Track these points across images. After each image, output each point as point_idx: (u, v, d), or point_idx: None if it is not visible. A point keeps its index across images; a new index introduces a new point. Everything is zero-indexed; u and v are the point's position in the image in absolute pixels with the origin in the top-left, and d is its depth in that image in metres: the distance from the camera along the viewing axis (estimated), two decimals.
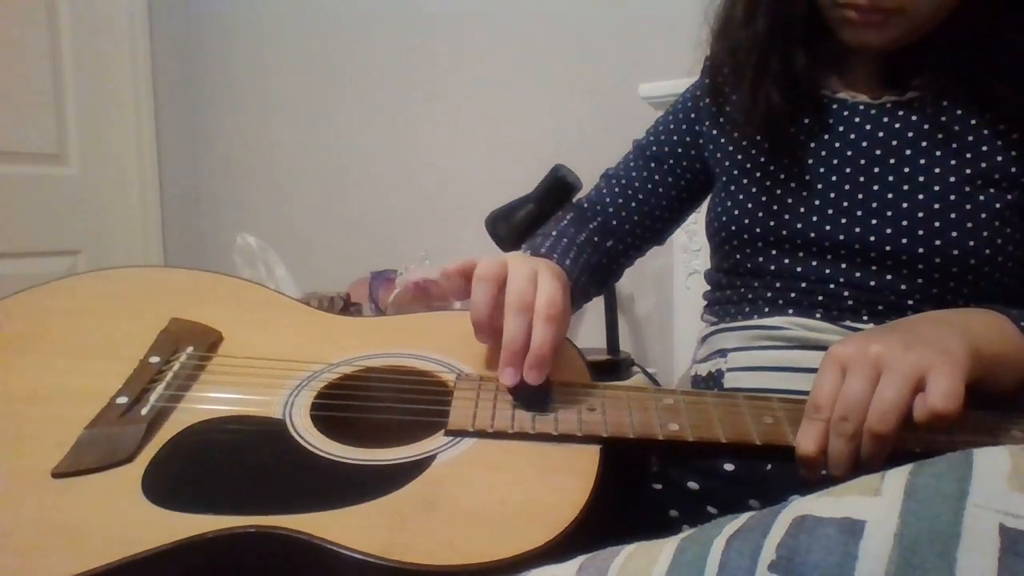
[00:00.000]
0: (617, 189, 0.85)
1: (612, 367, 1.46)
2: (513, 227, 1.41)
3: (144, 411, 0.55)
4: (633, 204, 0.84)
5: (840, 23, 0.65)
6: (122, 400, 0.56)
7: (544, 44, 1.79)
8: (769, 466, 0.63)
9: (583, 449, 0.51)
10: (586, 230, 0.84)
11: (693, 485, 0.66)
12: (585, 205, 0.87)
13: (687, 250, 1.41)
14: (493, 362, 0.62)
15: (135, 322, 0.66)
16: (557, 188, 1.41)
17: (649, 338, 1.71)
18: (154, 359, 0.61)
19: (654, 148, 0.84)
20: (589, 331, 1.46)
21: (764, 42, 0.69)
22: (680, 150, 0.82)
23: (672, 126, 0.83)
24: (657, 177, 0.83)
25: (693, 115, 0.82)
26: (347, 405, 0.58)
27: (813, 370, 0.51)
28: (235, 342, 0.65)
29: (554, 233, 0.84)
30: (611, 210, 0.85)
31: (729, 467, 0.65)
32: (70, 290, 0.71)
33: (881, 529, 0.33)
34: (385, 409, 0.58)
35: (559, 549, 0.42)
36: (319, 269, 1.91)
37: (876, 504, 0.34)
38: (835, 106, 0.70)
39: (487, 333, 0.60)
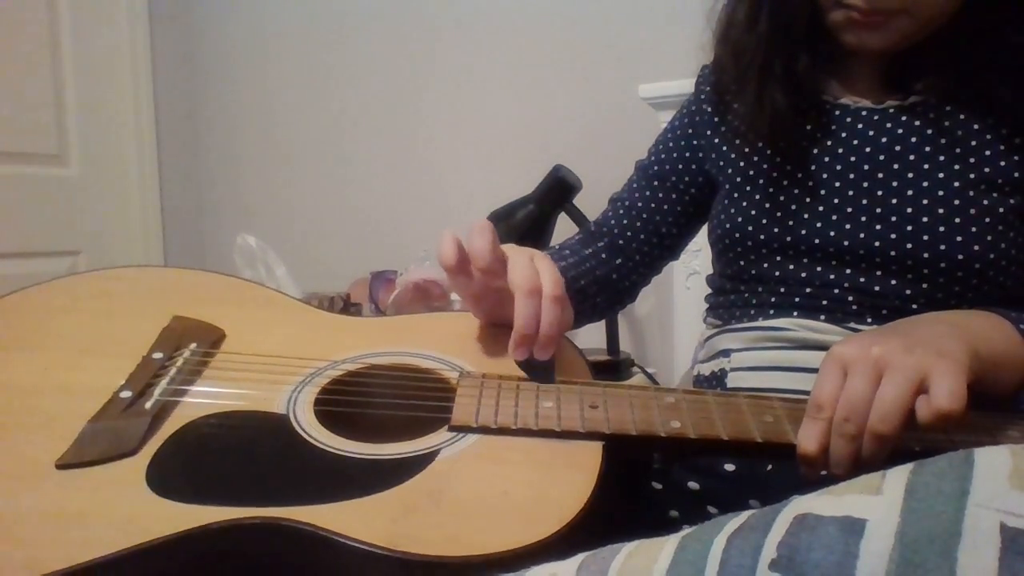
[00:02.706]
0: (622, 211, 0.85)
1: (612, 367, 1.46)
2: (513, 227, 1.42)
3: (148, 405, 0.55)
4: (639, 223, 0.84)
5: (841, 26, 0.65)
6: (126, 394, 0.56)
7: (544, 44, 1.79)
8: (770, 466, 0.63)
9: (586, 445, 0.51)
10: (593, 247, 0.85)
11: (693, 485, 0.66)
12: (592, 228, 0.88)
13: (687, 250, 1.41)
14: (495, 361, 0.63)
15: (137, 320, 0.66)
16: (557, 188, 1.42)
17: (649, 338, 1.71)
18: (157, 355, 0.61)
19: (655, 168, 0.84)
20: (589, 331, 1.46)
21: (767, 45, 0.69)
22: (681, 166, 0.82)
23: (671, 144, 0.84)
24: (661, 195, 0.83)
25: (691, 130, 0.82)
26: (350, 401, 0.58)
27: (816, 370, 0.51)
28: (238, 339, 0.65)
29: (557, 247, 0.85)
30: (617, 231, 0.85)
31: (729, 467, 0.65)
32: (70, 289, 0.71)
33: (882, 528, 0.33)
34: (388, 405, 0.58)
35: (561, 544, 0.42)
36: (319, 269, 1.91)
37: (877, 503, 0.34)
38: (838, 112, 0.70)
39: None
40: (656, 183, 0.84)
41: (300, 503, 0.45)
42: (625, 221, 0.85)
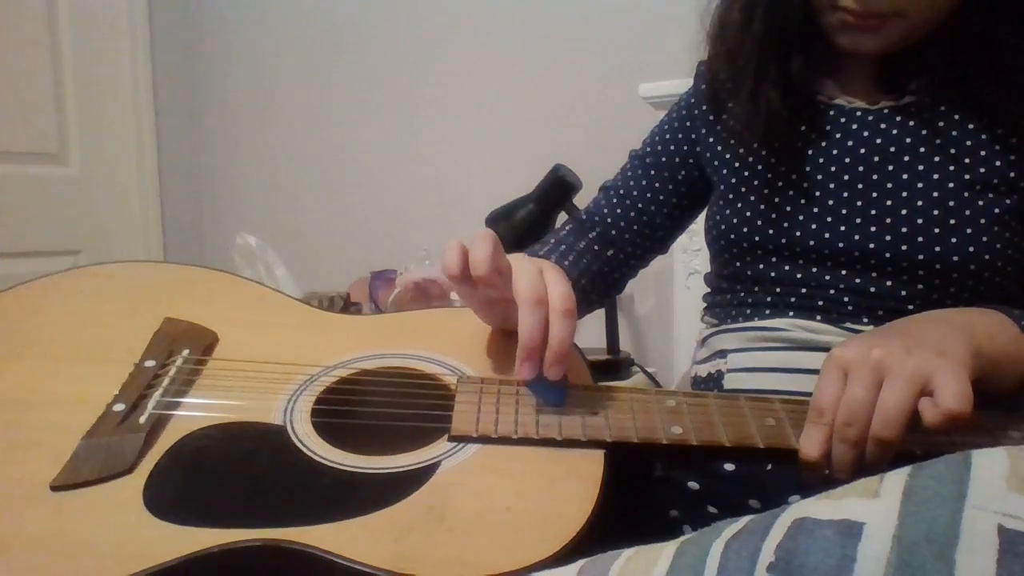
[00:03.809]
0: (615, 199, 0.84)
1: (612, 367, 1.46)
2: (513, 227, 1.42)
3: (142, 419, 0.54)
4: (632, 213, 0.83)
5: (836, 28, 0.65)
6: (119, 407, 0.55)
7: (544, 44, 1.79)
8: (769, 466, 0.63)
9: (587, 454, 0.51)
10: (585, 239, 0.84)
11: (693, 485, 0.66)
12: (583, 216, 0.87)
13: (687, 250, 1.42)
14: (494, 362, 0.62)
15: (128, 322, 0.64)
16: (557, 188, 1.42)
17: (649, 338, 1.71)
18: (149, 363, 0.60)
19: (650, 158, 0.84)
20: (589, 331, 1.46)
21: (761, 46, 0.69)
22: (677, 158, 0.82)
23: (668, 135, 0.83)
24: (657, 184, 0.83)
25: (689, 123, 0.81)
26: (347, 411, 0.57)
27: (813, 371, 0.51)
28: (231, 343, 0.64)
29: (552, 241, 0.84)
30: (610, 220, 0.84)
31: (729, 467, 0.65)
32: (59, 288, 0.69)
33: (880, 531, 0.33)
34: (386, 414, 0.57)
35: (566, 558, 0.42)
36: (319, 269, 1.91)
37: (875, 506, 0.34)
38: (832, 112, 0.70)
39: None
40: (653, 172, 0.83)
41: (301, 522, 0.45)
42: (619, 210, 0.84)
